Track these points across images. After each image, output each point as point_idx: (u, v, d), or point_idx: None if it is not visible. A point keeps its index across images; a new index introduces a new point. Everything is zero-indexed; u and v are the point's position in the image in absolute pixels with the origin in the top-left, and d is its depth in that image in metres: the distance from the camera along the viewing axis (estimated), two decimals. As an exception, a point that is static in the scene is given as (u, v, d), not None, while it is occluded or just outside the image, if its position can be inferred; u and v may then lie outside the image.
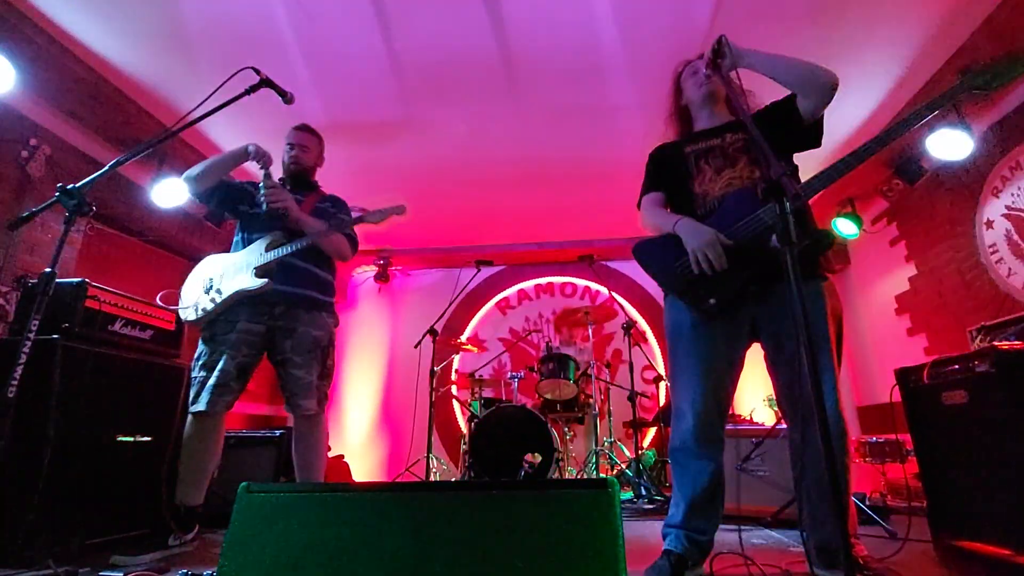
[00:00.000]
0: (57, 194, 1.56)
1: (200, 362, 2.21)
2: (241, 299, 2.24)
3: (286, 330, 2.28)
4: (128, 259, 3.92)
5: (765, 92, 1.84)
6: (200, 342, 2.26)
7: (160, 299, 2.41)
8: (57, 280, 1.56)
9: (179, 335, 2.65)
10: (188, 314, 2.28)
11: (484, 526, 0.78)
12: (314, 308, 2.36)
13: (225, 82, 1.86)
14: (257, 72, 1.91)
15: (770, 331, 1.68)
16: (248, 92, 1.89)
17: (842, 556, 1.05)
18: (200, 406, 2.13)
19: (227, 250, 2.42)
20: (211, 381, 2.14)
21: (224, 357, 2.18)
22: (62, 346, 2.01)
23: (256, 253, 2.29)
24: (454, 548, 0.76)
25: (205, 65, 2.96)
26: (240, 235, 2.43)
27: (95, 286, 2.26)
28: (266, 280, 2.22)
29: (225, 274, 2.30)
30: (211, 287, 2.29)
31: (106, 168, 1.70)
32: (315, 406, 2.28)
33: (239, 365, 2.20)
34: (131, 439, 2.24)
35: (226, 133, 3.60)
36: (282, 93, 1.95)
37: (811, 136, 1.76)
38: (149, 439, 2.33)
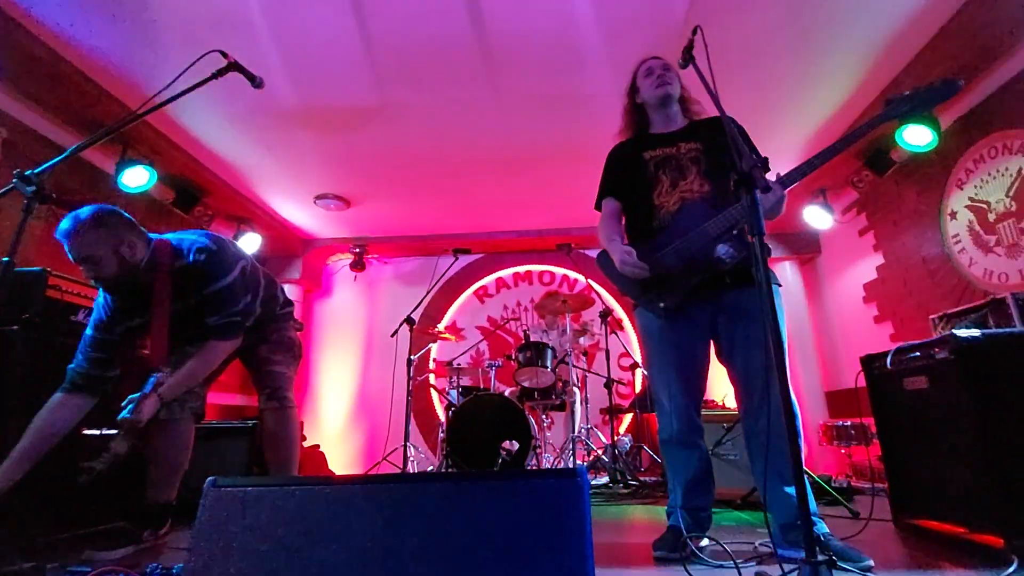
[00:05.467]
0: (15, 180, 1.50)
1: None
2: None
3: (259, 337, 2.26)
4: (93, 247, 3.79)
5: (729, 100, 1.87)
6: None
7: None
8: (16, 269, 1.50)
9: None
10: None
11: (454, 516, 0.78)
12: (279, 321, 2.36)
13: (191, 66, 1.80)
14: (224, 55, 1.85)
15: (725, 330, 1.81)
16: (215, 76, 1.83)
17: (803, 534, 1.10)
18: (163, 414, 1.95)
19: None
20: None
21: None
22: (22, 337, 1.95)
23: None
24: (424, 539, 0.76)
25: (171, 46, 2.86)
26: None
27: (57, 275, 2.19)
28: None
29: None
30: None
31: (66, 153, 1.63)
32: (293, 396, 2.32)
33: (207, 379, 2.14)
34: (96, 432, 2.19)
35: (193, 116, 3.49)
36: (251, 77, 1.89)
37: None
38: (116, 432, 2.27)
